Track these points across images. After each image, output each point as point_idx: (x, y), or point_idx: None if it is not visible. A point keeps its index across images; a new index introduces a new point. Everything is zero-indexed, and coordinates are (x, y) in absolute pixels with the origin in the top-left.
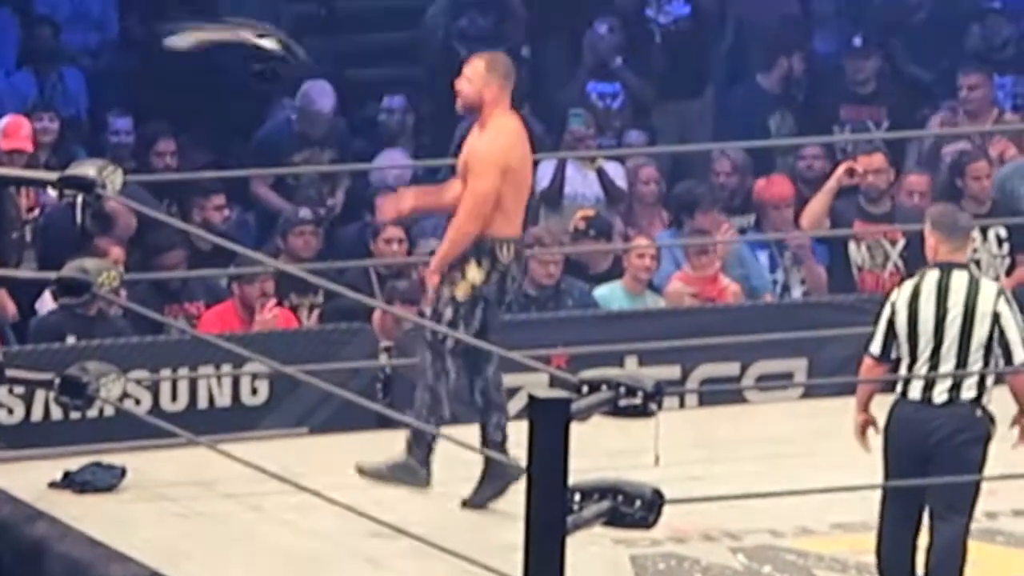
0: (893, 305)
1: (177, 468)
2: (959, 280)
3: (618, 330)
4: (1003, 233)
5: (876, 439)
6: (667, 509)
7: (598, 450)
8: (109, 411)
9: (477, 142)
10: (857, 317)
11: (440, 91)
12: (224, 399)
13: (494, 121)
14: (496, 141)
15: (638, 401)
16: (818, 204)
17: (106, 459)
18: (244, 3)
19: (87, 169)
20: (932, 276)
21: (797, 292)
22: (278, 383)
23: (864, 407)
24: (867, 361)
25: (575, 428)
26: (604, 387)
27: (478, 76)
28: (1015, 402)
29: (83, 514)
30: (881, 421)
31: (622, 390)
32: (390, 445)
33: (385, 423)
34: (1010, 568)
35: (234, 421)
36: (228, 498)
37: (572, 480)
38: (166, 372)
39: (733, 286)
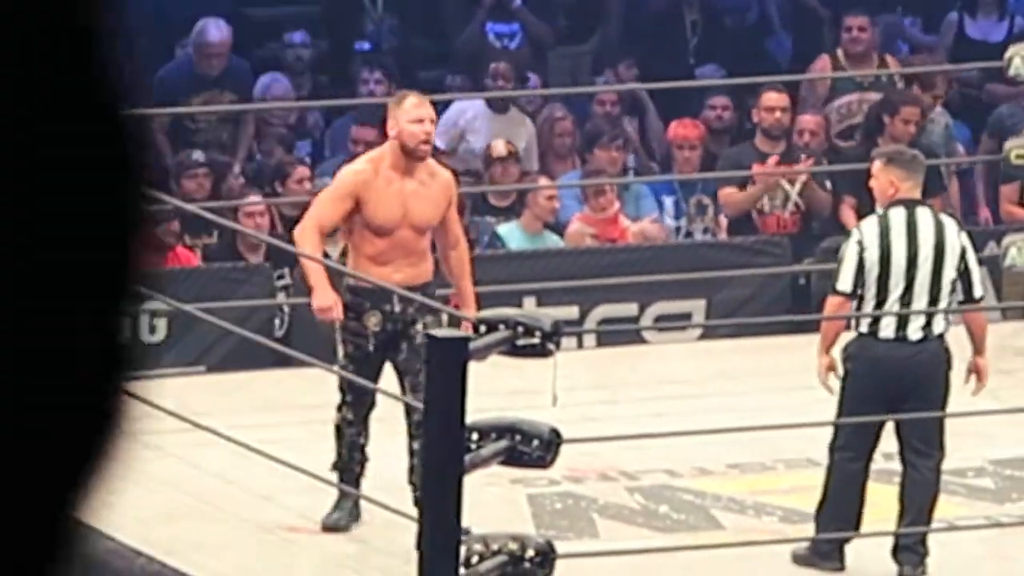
0: (861, 243)
1: None
2: (924, 217)
3: (517, 270)
4: None
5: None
6: (564, 449)
7: (496, 390)
8: None
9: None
10: (756, 259)
11: (338, 28)
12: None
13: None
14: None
15: (536, 341)
16: (741, 197)
17: None
18: None
19: None
20: (898, 213)
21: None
22: (177, 321)
23: (829, 348)
24: (835, 300)
25: (473, 367)
26: (502, 327)
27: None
28: (970, 341)
29: None
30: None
31: (520, 330)
32: (287, 384)
33: (282, 362)
34: None
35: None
36: (125, 435)
37: (470, 419)
38: None
39: (634, 227)
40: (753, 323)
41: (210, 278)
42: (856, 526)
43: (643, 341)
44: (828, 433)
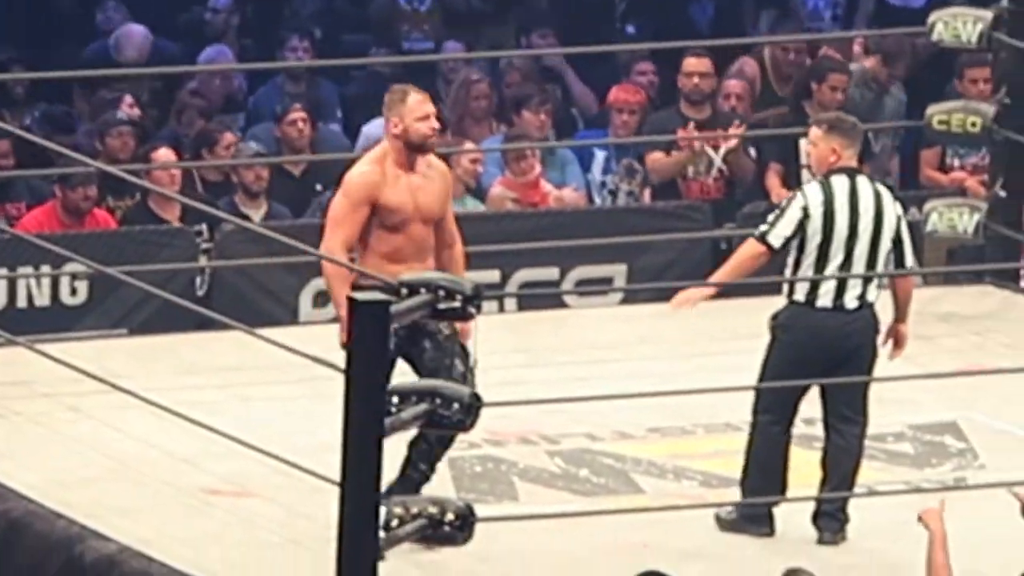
0: (805, 210)
1: None
2: (864, 186)
3: None
4: None
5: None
6: (485, 413)
7: None
8: None
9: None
10: (677, 224)
11: None
12: (43, 299)
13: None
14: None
15: (457, 304)
16: (668, 163)
17: None
18: None
19: None
20: (841, 182)
21: (622, 201)
22: (98, 284)
23: (722, 281)
24: (758, 247)
25: (396, 332)
26: (423, 290)
27: None
28: (894, 307)
29: None
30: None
31: (441, 293)
32: (208, 346)
33: (203, 325)
34: None
35: (53, 321)
36: (46, 398)
37: (391, 383)
38: None
39: (555, 192)
40: (674, 287)
41: (131, 241)
42: (782, 490)
43: (564, 305)
44: (747, 399)
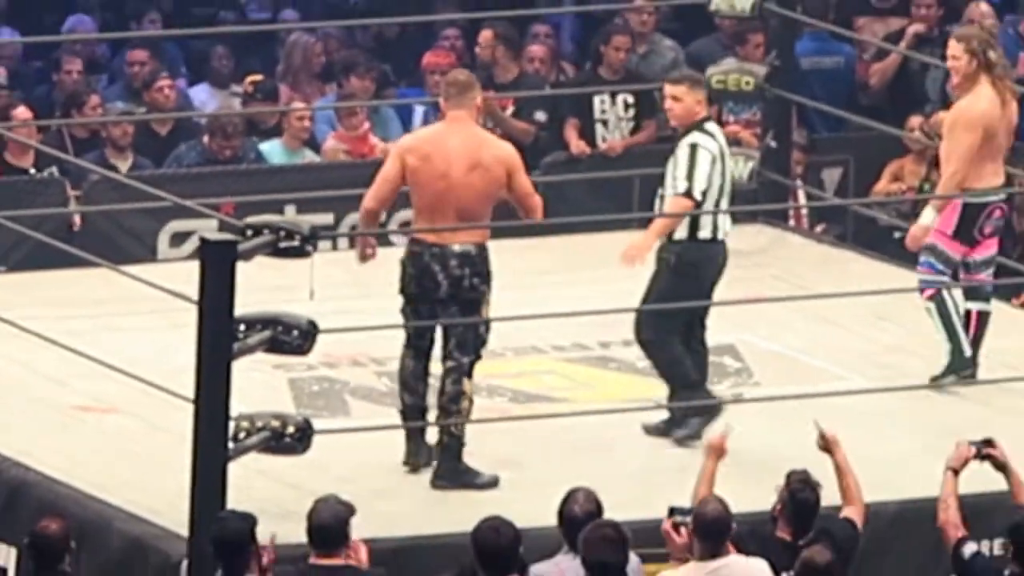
0: (714, 158)
1: None
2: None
3: (279, 182)
4: (630, 99)
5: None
6: (321, 338)
7: (261, 286)
8: None
9: None
10: None
11: None
12: None
13: None
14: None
15: (296, 243)
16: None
17: None
18: None
19: None
20: (715, 128)
21: None
22: None
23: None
24: (687, 202)
25: (240, 267)
26: (266, 231)
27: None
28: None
29: None
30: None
31: (282, 234)
32: (78, 282)
33: (74, 263)
34: (625, 391)
35: None
36: None
37: (237, 312)
38: None
39: (381, 145)
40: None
41: (8, 189)
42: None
43: (390, 244)
44: (543, 327)
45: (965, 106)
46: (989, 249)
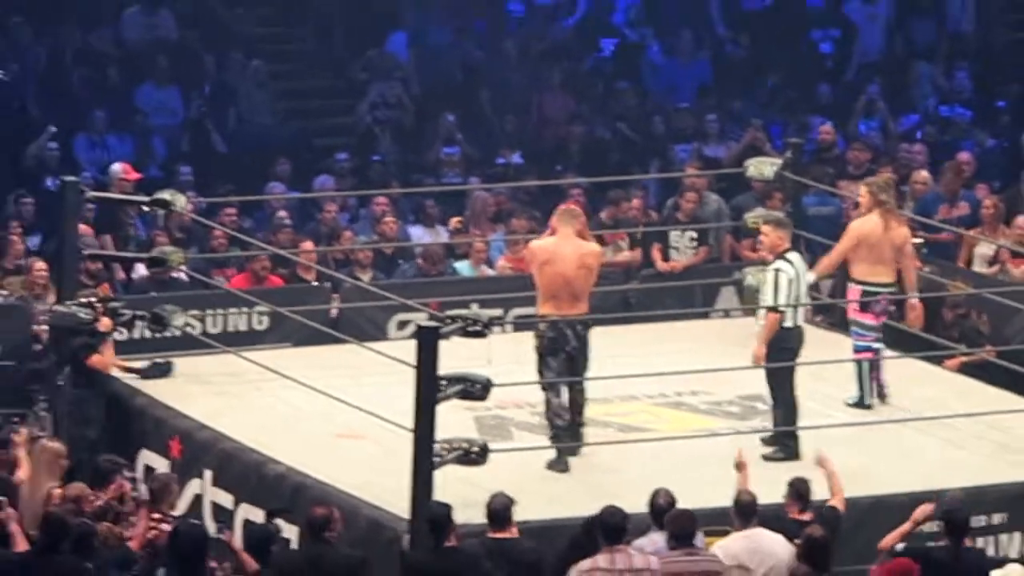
0: (790, 282)
1: None
2: (799, 258)
3: (468, 288)
4: (694, 234)
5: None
6: (495, 391)
7: (456, 356)
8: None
9: None
10: None
11: None
12: (242, 326)
13: None
14: None
15: (479, 328)
16: None
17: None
18: None
19: (164, 194)
20: (795, 257)
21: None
22: (273, 317)
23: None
24: (776, 315)
25: (443, 344)
26: (459, 320)
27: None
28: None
29: None
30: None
31: (470, 322)
32: (337, 354)
33: (335, 341)
34: (691, 424)
35: (249, 339)
36: (248, 383)
37: (441, 372)
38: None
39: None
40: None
41: (298, 292)
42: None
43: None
44: (639, 382)
45: (855, 224)
46: (878, 322)
